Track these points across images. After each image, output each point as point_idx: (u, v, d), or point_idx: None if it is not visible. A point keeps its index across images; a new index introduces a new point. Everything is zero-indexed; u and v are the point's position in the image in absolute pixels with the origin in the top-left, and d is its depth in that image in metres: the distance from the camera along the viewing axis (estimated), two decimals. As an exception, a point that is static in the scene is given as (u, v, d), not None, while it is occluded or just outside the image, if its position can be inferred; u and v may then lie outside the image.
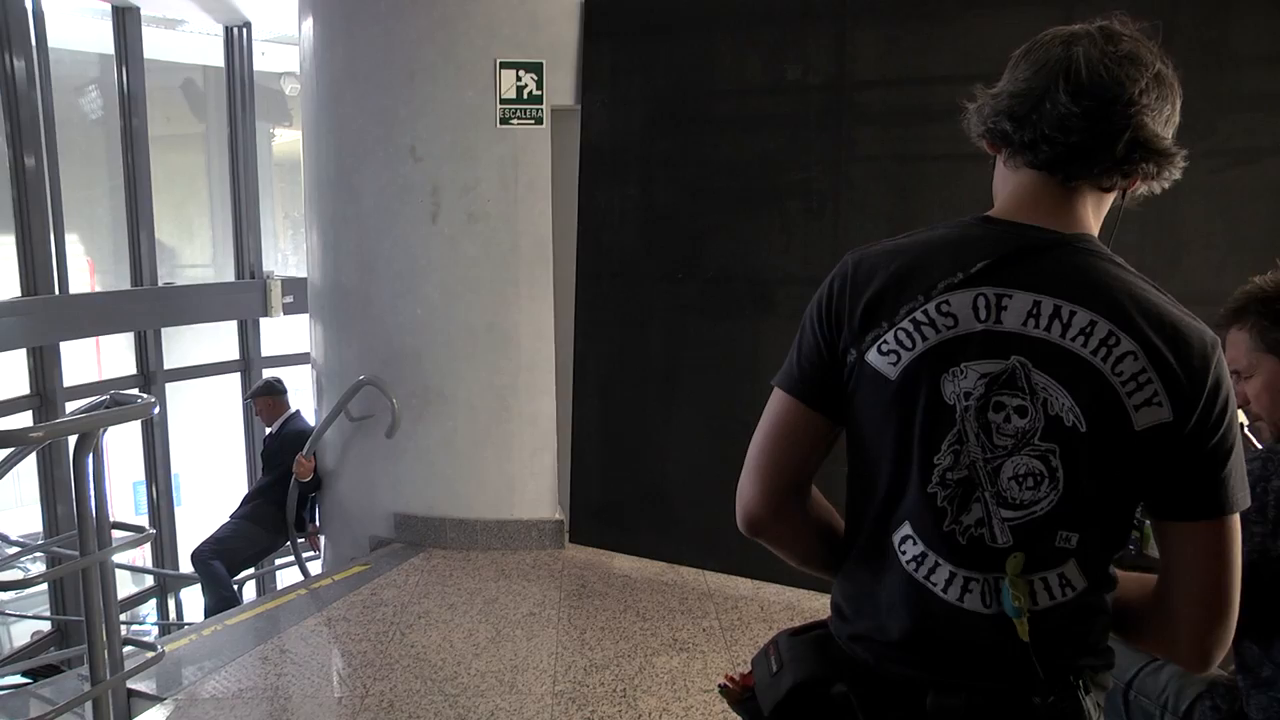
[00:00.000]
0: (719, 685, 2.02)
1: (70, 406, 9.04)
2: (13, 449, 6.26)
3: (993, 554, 1.76)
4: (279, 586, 8.50)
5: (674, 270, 5.90)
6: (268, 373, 10.40)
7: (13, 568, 5.79)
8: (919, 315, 1.76)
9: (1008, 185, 1.84)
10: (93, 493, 3.98)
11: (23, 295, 8.96)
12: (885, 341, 1.78)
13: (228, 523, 7.24)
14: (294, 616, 5.38)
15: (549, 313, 6.15)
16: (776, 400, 1.91)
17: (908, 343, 1.77)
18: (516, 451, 6.27)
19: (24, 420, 8.99)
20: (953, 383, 1.75)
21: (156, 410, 4.25)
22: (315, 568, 7.53)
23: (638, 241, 5.98)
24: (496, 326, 6.12)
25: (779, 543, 1.96)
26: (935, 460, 1.76)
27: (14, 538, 7.45)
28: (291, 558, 7.78)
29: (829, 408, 1.87)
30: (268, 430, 7.63)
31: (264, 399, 7.58)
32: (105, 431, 4.01)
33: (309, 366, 7.13)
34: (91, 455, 3.98)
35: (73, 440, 4.01)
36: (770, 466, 1.89)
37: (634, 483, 6.15)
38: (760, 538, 1.95)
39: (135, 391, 7.34)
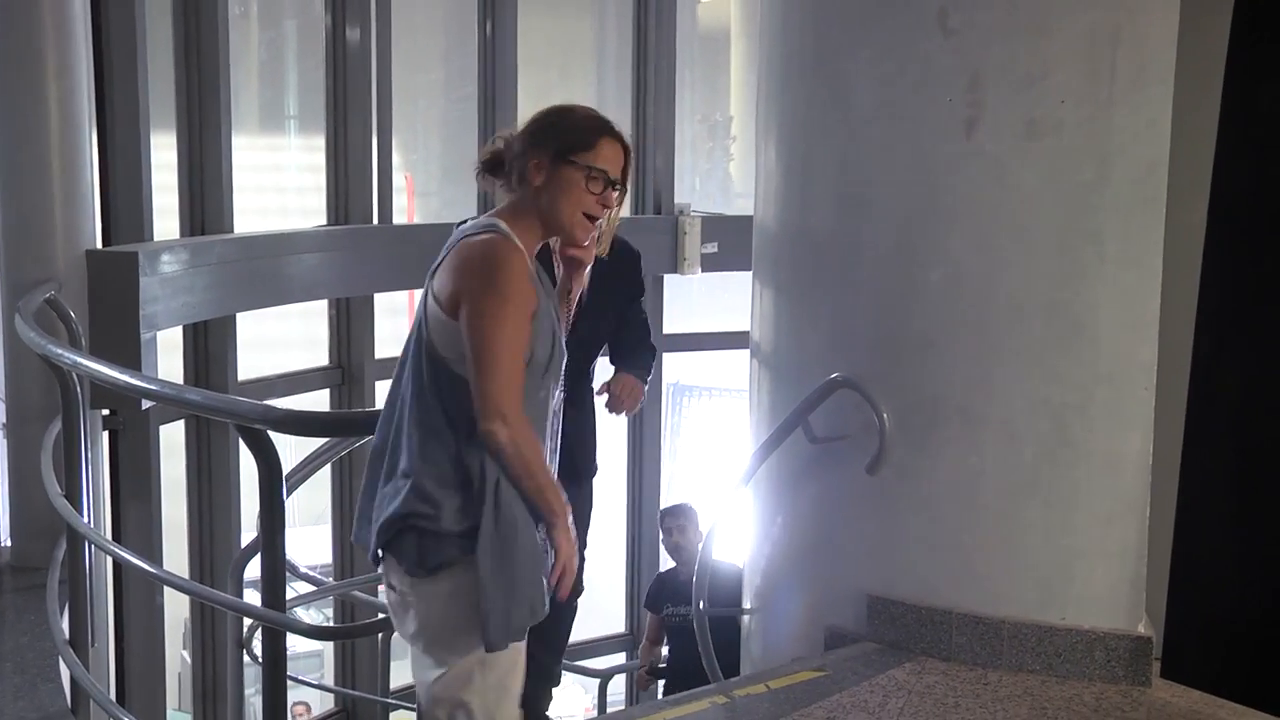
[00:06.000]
0: None
1: (382, 386, 7.46)
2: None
3: None
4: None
5: None
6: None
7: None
8: None
9: None
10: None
11: (329, 223, 7.36)
12: None
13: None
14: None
15: (1152, 290, 4.61)
16: None
17: None
18: (1079, 515, 4.64)
19: (321, 402, 7.44)
20: None
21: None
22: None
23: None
24: (1060, 308, 4.58)
25: None
26: None
27: (305, 570, 5.80)
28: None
29: None
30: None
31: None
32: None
33: (746, 355, 5.35)
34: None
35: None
36: None
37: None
38: None
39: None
